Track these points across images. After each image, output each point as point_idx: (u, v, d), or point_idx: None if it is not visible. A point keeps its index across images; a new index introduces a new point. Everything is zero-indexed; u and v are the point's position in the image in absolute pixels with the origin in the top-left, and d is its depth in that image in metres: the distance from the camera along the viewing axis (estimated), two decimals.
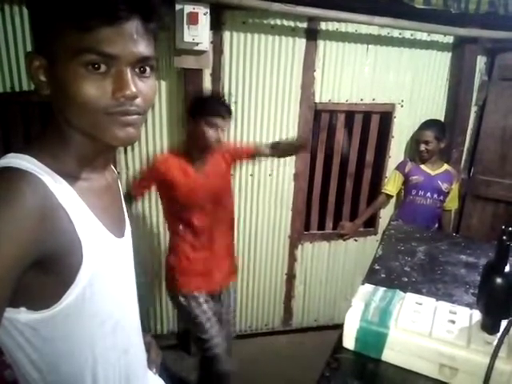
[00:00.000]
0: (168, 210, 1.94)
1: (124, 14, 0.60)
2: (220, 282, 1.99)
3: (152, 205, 2.46)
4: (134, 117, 0.65)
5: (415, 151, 2.69)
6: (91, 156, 0.72)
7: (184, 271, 1.91)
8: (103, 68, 0.61)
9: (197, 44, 2.11)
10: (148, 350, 0.98)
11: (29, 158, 0.64)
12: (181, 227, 1.89)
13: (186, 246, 1.90)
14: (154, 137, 2.34)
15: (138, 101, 0.65)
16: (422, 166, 2.66)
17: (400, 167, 2.72)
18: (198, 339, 1.93)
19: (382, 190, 2.77)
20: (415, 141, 2.69)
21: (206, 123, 1.75)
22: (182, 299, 1.91)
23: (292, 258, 2.83)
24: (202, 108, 1.79)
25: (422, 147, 2.60)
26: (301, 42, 2.41)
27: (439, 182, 2.63)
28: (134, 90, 0.63)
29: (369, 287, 0.80)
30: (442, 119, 2.78)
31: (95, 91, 0.61)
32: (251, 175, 2.56)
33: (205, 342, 1.90)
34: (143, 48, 0.64)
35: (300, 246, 2.83)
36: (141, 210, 2.46)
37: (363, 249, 2.94)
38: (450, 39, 2.65)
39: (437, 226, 2.75)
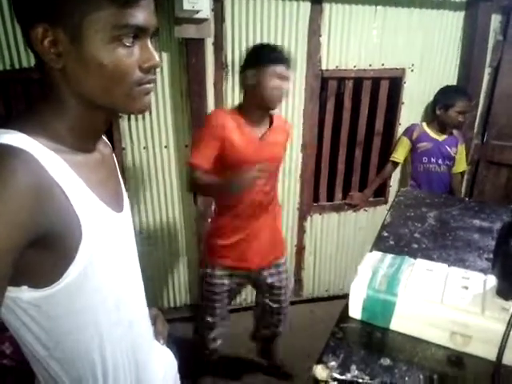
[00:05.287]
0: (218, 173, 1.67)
1: None
2: (259, 261, 1.83)
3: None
4: (153, 84, 0.69)
5: (445, 118, 2.53)
6: (90, 129, 0.72)
7: (220, 245, 1.78)
8: (131, 41, 0.63)
9: (197, 12, 2.04)
10: (154, 323, 0.98)
11: (20, 134, 0.61)
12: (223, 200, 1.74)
13: (229, 219, 1.74)
14: (158, 109, 2.30)
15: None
16: (430, 132, 2.58)
17: (407, 133, 2.64)
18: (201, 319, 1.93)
19: (390, 158, 2.70)
20: (444, 107, 2.51)
21: (271, 73, 1.55)
22: (209, 272, 1.83)
23: (301, 230, 2.81)
24: (264, 56, 1.58)
25: (461, 118, 2.50)
26: (305, 6, 2.31)
27: (447, 147, 2.57)
28: (158, 59, 0.67)
29: (376, 254, 0.76)
30: (455, 82, 2.68)
31: (129, 64, 0.64)
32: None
33: (205, 327, 1.92)
34: (156, 19, 0.67)
35: (309, 218, 2.80)
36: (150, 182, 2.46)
37: (373, 219, 2.90)
38: None
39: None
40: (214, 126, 1.60)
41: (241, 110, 1.68)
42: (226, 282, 1.84)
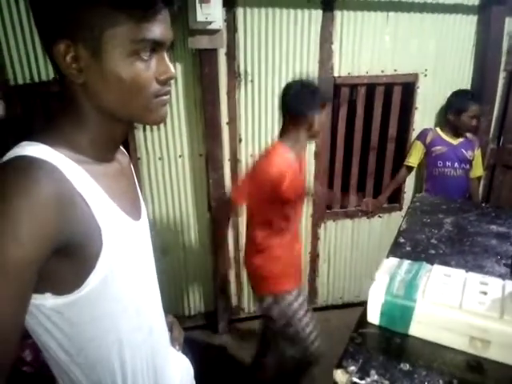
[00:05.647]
0: (272, 211, 1.77)
1: (168, 1, 0.65)
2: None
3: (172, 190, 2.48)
4: (169, 96, 0.71)
5: (458, 123, 2.52)
6: (109, 140, 0.74)
7: (285, 268, 1.84)
8: (149, 55, 0.65)
9: (210, 23, 2.07)
10: (170, 329, 1.00)
11: (42, 145, 0.64)
12: (281, 224, 1.80)
13: (285, 243, 1.83)
14: (172, 119, 2.33)
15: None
16: (444, 136, 2.57)
17: (421, 137, 2.63)
18: (294, 341, 1.86)
19: (404, 163, 2.69)
20: (456, 112, 2.51)
21: (323, 109, 1.73)
22: (284, 299, 1.82)
23: (315, 237, 2.80)
24: (317, 94, 1.71)
25: (474, 122, 2.50)
26: (317, 14, 2.33)
27: (463, 150, 2.55)
28: (174, 71, 0.69)
29: (393, 260, 0.77)
30: (469, 87, 2.66)
31: (146, 77, 0.66)
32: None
33: (304, 346, 1.85)
34: (172, 32, 0.68)
35: (323, 225, 2.80)
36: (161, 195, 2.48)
37: (388, 225, 2.88)
38: (475, 1, 2.50)
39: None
40: (276, 181, 1.65)
41: (288, 144, 1.74)
42: (302, 298, 1.90)
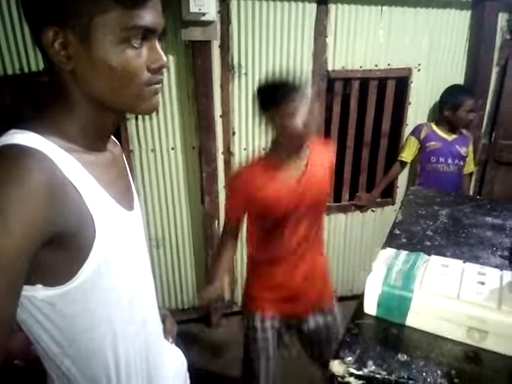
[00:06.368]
0: (255, 228, 1.61)
1: None
2: (308, 308, 1.66)
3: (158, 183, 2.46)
4: (161, 85, 0.70)
5: (455, 118, 2.52)
6: (100, 129, 0.72)
7: (265, 290, 1.63)
8: (140, 42, 0.64)
9: (203, 14, 2.05)
10: (163, 322, 0.99)
11: (32, 134, 0.62)
12: (270, 245, 1.57)
13: (271, 266, 1.60)
14: (165, 111, 2.31)
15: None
16: (439, 132, 2.58)
17: (415, 132, 2.63)
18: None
19: (398, 158, 2.70)
20: (452, 107, 2.50)
21: (284, 114, 1.38)
22: (250, 323, 1.63)
23: None
24: (269, 98, 1.43)
25: (471, 116, 2.50)
26: (311, 7, 2.32)
27: (457, 146, 2.56)
28: (165, 59, 0.67)
29: (390, 251, 0.76)
30: (462, 82, 2.67)
31: (137, 65, 0.64)
32: (264, 149, 2.52)
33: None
34: (163, 19, 0.67)
35: None
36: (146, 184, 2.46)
37: (381, 219, 2.89)
38: None
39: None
40: (236, 189, 1.56)
41: (273, 150, 1.54)
42: (271, 333, 1.63)
